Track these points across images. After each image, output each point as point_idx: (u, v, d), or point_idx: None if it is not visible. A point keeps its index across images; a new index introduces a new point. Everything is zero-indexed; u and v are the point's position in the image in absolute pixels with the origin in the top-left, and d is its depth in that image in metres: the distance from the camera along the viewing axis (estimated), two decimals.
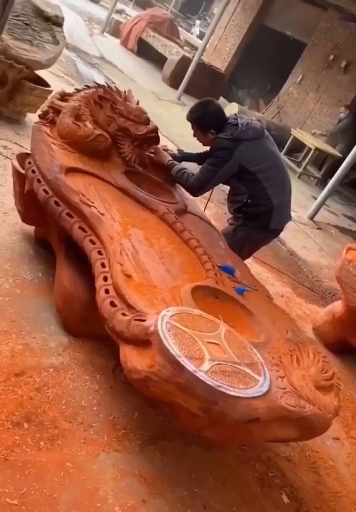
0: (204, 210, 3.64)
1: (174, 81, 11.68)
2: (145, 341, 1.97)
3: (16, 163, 3.24)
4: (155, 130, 3.28)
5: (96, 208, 2.68)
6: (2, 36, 4.83)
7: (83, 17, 14.11)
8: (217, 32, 15.23)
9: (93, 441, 2.46)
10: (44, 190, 2.85)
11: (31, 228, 3.60)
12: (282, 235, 6.94)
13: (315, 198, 8.27)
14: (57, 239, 3.05)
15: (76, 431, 2.47)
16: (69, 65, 9.39)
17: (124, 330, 2.06)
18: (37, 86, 5.09)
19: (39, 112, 3.43)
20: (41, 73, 5.53)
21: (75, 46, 10.99)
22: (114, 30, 14.16)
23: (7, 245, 3.44)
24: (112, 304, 2.18)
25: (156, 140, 3.37)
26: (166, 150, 3.59)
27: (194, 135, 3.44)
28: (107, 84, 3.44)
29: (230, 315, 2.47)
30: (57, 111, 3.25)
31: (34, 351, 2.75)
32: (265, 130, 3.44)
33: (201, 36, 21.49)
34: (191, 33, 23.57)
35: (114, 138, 3.27)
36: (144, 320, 2.03)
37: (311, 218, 7.75)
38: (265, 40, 14.40)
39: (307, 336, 2.60)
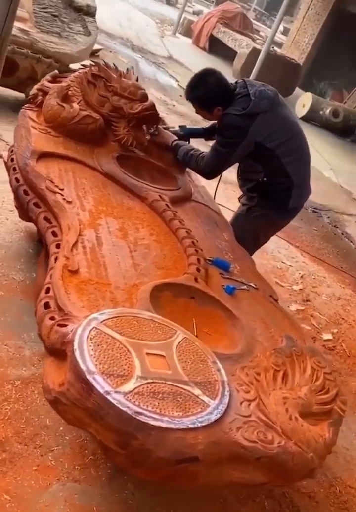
0: (214, 197, 3.16)
1: (244, 76, 11.10)
2: (63, 352, 1.56)
3: (5, 154, 2.96)
4: (152, 107, 2.85)
5: (62, 195, 2.31)
6: (28, 29, 4.66)
7: (155, 20, 14.00)
8: (295, 24, 14.52)
9: (48, 468, 2.08)
10: (16, 178, 2.54)
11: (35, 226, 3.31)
12: (350, 230, 6.29)
13: None
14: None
15: (29, 455, 2.10)
16: (130, 65, 9.18)
17: (46, 338, 1.66)
18: None
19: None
20: None
21: (141, 47, 10.86)
22: (187, 30, 13.90)
23: (3, 243, 3.18)
24: (46, 305, 1.79)
25: (155, 118, 2.93)
26: (167, 128, 3.14)
27: (197, 112, 2.97)
28: (104, 61, 3.07)
29: (207, 319, 1.99)
30: (47, 94, 2.93)
31: (2, 360, 2.43)
32: (279, 95, 2.89)
33: (285, 32, 20.80)
34: None
35: (109, 119, 2.89)
36: (65, 326, 1.62)
37: None
38: (348, 26, 13.42)
39: (311, 346, 2.05)
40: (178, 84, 9.22)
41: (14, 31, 4.46)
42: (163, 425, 1.37)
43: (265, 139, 2.76)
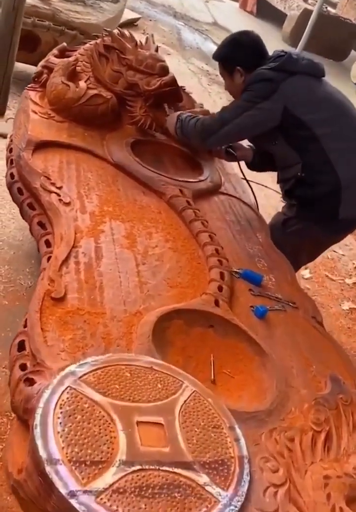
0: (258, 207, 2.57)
1: (295, 40, 10.35)
2: (27, 421, 1.19)
3: (6, 143, 2.60)
4: (172, 82, 2.40)
5: (59, 195, 1.92)
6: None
7: None
8: None
9: None
10: (11, 174, 2.18)
11: None
12: None
13: None
14: None
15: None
16: (171, 33, 8.67)
17: (12, 395, 1.29)
18: None
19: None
20: None
21: (184, 14, 10.29)
22: None
23: (13, 243, 2.85)
24: (20, 345, 1.42)
25: (177, 96, 2.49)
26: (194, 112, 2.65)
27: (225, 84, 2.51)
28: (119, 30, 2.63)
29: (229, 355, 1.57)
30: (52, 71, 2.54)
31: None
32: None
33: None
34: None
35: (123, 98, 2.48)
36: (34, 383, 1.24)
37: None
38: None
39: None
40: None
41: (34, 1, 4.10)
42: None
43: (297, 107, 2.23)
